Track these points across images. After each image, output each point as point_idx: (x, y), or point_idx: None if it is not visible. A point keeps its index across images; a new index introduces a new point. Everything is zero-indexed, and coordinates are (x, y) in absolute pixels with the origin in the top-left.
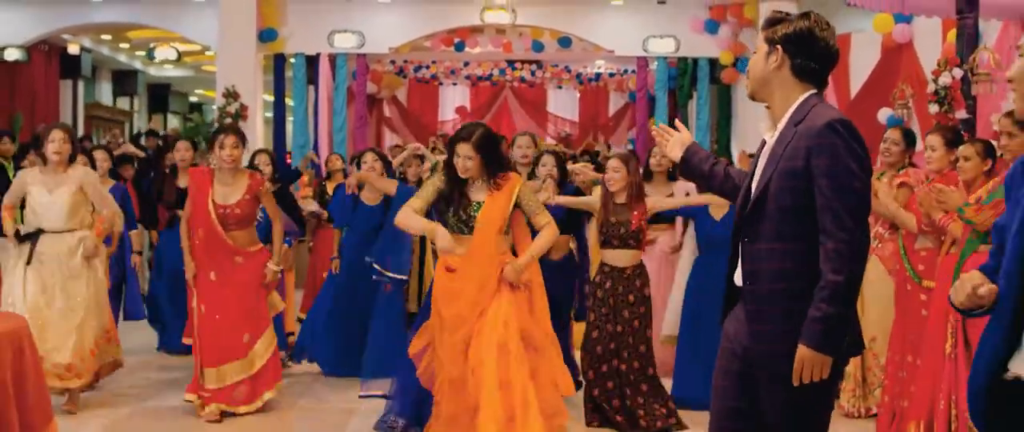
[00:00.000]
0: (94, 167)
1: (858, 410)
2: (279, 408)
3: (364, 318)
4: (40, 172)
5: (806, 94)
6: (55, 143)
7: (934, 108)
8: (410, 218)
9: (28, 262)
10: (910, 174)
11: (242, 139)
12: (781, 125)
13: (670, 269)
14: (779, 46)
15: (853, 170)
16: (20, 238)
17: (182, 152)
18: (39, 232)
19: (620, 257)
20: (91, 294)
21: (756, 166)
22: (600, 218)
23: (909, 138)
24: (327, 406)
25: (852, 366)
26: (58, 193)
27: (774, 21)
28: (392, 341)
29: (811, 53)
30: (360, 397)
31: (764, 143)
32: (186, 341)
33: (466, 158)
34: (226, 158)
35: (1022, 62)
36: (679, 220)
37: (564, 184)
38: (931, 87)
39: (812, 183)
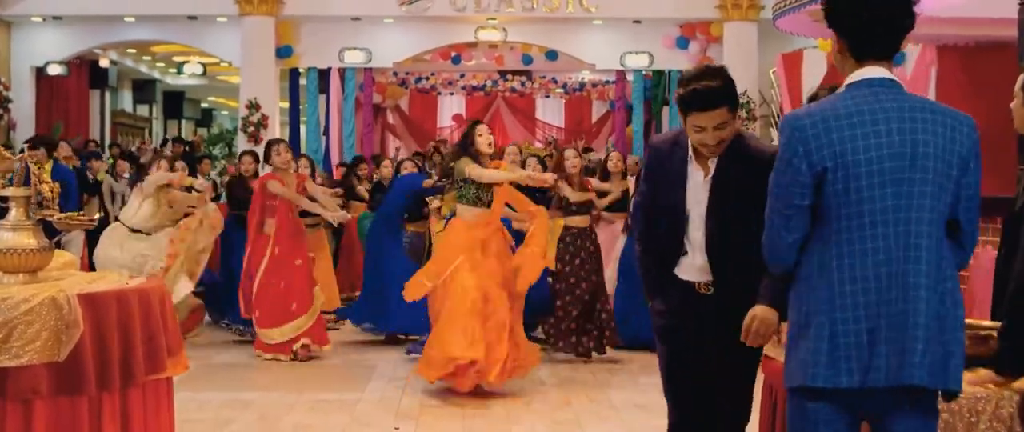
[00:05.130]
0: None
1: None
2: (316, 362)
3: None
4: None
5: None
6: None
7: None
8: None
9: None
10: None
11: (288, 146)
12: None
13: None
14: (729, 109)
15: None
16: None
17: (247, 164)
18: None
19: (577, 221)
20: None
21: (688, 193)
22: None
23: None
24: (356, 361)
25: None
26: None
27: (716, 98)
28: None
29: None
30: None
31: (684, 172)
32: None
33: (489, 133)
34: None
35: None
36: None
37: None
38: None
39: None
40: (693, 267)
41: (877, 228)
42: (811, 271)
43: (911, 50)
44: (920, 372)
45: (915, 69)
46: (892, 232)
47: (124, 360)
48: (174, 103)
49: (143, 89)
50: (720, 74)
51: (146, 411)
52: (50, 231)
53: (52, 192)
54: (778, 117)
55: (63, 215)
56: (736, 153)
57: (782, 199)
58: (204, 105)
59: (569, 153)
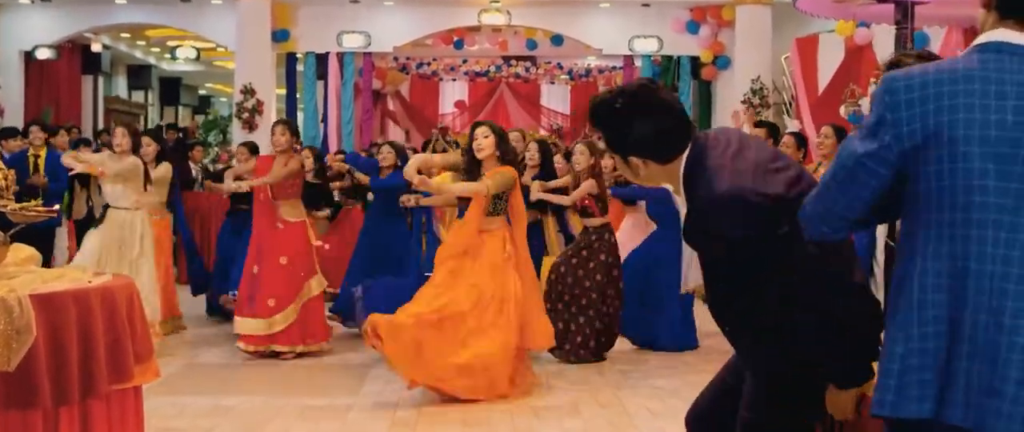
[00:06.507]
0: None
1: None
2: (307, 362)
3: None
4: None
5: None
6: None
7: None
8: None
9: None
10: None
11: (289, 128)
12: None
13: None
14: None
15: None
16: None
17: (241, 155)
18: None
19: (593, 221)
20: None
21: None
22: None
23: (840, 133)
24: (351, 361)
25: None
26: None
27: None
28: None
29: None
30: None
31: None
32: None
33: (483, 136)
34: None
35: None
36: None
37: (547, 170)
38: (871, 87)
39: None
40: None
41: (971, 229)
42: (901, 273)
43: (936, 33)
44: (1004, 424)
45: (940, 52)
46: (991, 236)
47: (84, 368)
48: (171, 89)
49: (138, 75)
50: (615, 94)
51: (111, 425)
52: (4, 223)
53: (6, 180)
54: (790, 105)
55: (19, 206)
56: (690, 195)
57: (849, 168)
58: (202, 92)
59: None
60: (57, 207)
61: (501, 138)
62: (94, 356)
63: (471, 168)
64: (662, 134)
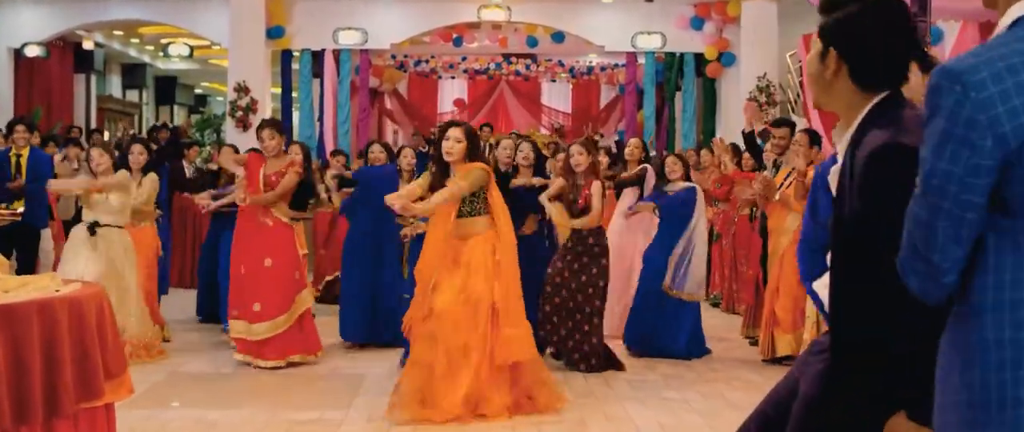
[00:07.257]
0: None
1: None
2: (297, 371)
3: (377, 290)
4: None
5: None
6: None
7: None
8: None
9: None
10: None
11: (277, 129)
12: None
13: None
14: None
15: None
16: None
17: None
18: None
19: (578, 222)
20: None
21: None
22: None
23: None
24: (342, 370)
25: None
26: None
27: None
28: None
29: None
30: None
31: None
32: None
33: (455, 141)
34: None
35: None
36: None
37: (540, 169)
38: None
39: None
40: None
41: None
42: (984, 301)
43: (951, 27)
44: None
45: (955, 47)
46: None
47: (48, 386)
48: (166, 88)
49: (132, 74)
50: None
51: None
52: None
53: None
54: (795, 105)
55: None
56: (862, 138)
57: (951, 196)
58: (198, 91)
59: (574, 149)
60: (21, 211)
61: (472, 144)
62: (59, 372)
63: (439, 170)
64: (887, 50)
